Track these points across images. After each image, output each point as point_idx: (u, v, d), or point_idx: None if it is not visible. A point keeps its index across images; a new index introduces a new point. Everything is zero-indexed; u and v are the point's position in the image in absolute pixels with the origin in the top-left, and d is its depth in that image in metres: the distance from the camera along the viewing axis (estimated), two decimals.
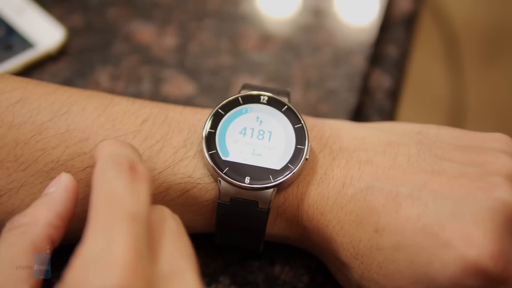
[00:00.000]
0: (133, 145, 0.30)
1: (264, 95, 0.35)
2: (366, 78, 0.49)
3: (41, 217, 0.29)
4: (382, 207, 0.32)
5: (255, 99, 0.35)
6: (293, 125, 0.35)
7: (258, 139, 0.34)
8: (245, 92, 0.35)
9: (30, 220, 0.29)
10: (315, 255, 0.37)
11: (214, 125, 0.34)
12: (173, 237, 0.28)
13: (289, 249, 0.38)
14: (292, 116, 0.35)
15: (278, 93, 0.36)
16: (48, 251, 0.29)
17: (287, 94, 0.36)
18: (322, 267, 0.37)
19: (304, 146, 0.34)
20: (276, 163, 0.33)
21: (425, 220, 0.30)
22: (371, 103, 0.49)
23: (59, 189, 0.31)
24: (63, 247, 0.36)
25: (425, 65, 1.27)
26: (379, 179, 0.33)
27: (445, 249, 0.30)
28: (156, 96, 0.46)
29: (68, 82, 0.46)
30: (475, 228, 0.29)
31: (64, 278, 0.24)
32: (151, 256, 0.26)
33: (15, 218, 0.29)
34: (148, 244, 0.26)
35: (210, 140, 0.34)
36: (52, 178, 0.32)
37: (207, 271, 0.37)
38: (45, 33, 0.47)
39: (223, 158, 0.33)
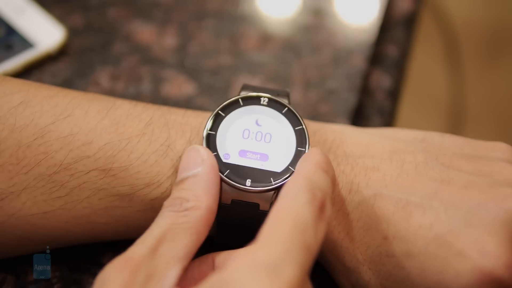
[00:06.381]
0: (332, 172, 0.30)
1: (264, 97, 0.35)
2: (366, 78, 0.49)
3: (203, 201, 0.30)
4: (392, 215, 0.32)
5: (255, 101, 0.35)
6: (294, 127, 0.34)
7: (258, 141, 0.34)
8: (245, 93, 0.35)
9: (194, 205, 0.30)
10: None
11: (215, 127, 0.34)
12: None
13: None
14: (293, 118, 0.35)
15: (278, 94, 0.35)
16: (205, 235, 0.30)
17: (287, 95, 0.36)
18: (322, 267, 0.37)
19: (305, 148, 0.34)
20: (277, 166, 0.33)
21: (437, 229, 0.31)
22: (371, 103, 0.49)
23: (207, 169, 0.31)
24: (62, 248, 0.36)
25: (425, 65, 1.27)
26: (387, 187, 0.33)
27: (459, 259, 0.30)
28: (156, 96, 0.46)
29: (68, 82, 0.46)
30: (489, 238, 0.30)
31: (225, 267, 0.25)
32: None
33: (177, 201, 0.30)
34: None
35: (210, 142, 0.33)
36: (55, 181, 0.32)
37: None
38: (45, 33, 0.47)
39: (224, 160, 0.33)
